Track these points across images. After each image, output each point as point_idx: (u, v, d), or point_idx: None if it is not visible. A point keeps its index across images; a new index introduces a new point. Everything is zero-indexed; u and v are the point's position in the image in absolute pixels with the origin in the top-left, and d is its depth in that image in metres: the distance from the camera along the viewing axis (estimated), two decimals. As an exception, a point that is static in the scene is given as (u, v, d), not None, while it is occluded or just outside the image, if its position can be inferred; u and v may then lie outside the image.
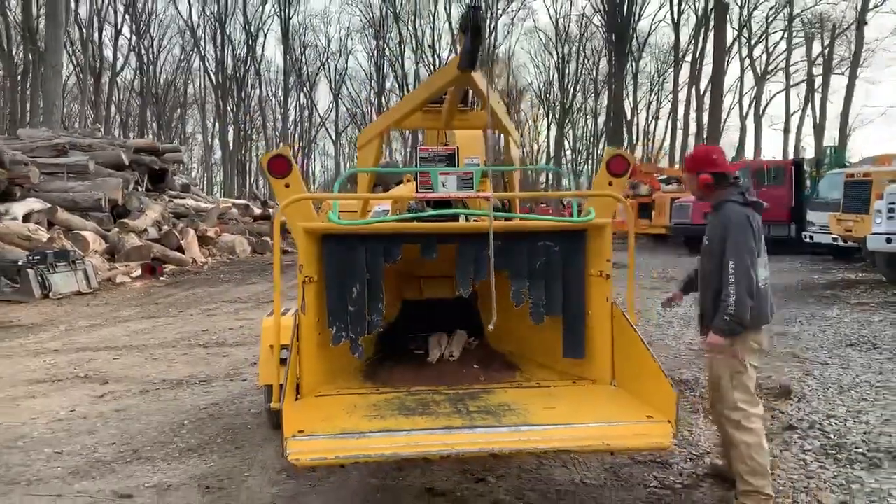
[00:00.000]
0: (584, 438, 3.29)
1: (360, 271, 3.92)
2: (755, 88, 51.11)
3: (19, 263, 11.97)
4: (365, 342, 4.06)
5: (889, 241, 11.00)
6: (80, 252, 13.43)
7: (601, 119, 65.38)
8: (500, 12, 65.08)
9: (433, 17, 67.73)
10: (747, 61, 50.88)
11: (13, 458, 4.62)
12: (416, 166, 4.59)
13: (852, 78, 39.18)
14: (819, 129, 44.01)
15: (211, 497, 3.98)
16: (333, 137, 76.45)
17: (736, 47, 48.92)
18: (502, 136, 4.64)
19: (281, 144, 68.08)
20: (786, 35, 49.73)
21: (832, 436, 4.69)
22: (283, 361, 4.69)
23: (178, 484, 4.16)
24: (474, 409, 3.59)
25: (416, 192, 4.53)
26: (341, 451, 3.14)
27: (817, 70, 46.37)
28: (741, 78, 51.05)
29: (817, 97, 45.89)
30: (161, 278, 14.94)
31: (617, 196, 4.04)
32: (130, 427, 5.25)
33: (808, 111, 47.79)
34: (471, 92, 4.93)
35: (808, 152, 43.02)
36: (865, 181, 13.03)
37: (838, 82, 43.81)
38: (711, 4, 46.72)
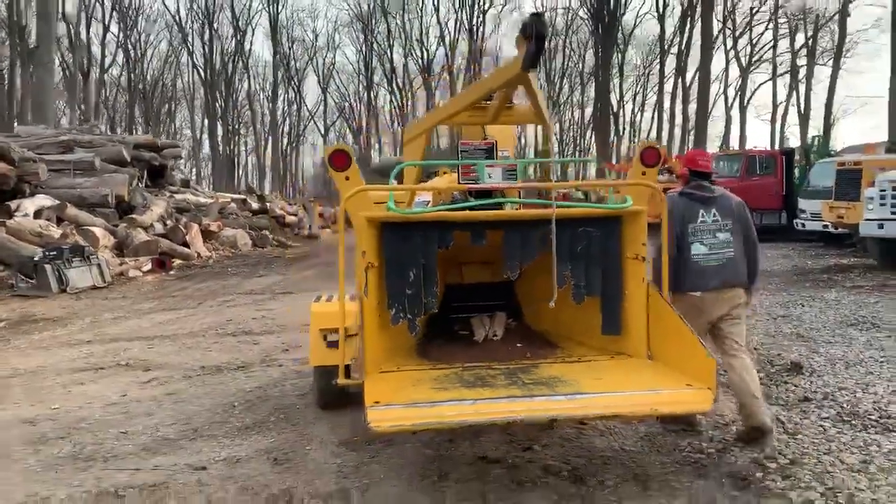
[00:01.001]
0: (633, 405, 3.64)
1: (416, 257, 4.25)
2: (740, 79, 51.71)
3: (35, 259, 12.18)
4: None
5: (881, 226, 11.44)
6: (91, 248, 13.65)
7: (588, 111, 66.02)
8: (487, 5, 65.29)
9: (421, 10, 67.84)
10: (732, 53, 51.47)
11: (83, 437, 4.92)
12: (458, 158, 4.91)
13: (836, 69, 39.84)
14: (804, 119, 44.67)
15: (280, 468, 4.30)
16: (322, 132, 76.45)
17: (721, 39, 49.38)
18: (540, 128, 4.97)
19: (270, 139, 68.48)
20: (770, 26, 50.42)
21: (845, 405, 5.08)
22: (333, 344, 5.05)
23: (247, 457, 4.48)
24: (528, 381, 3.93)
25: (459, 182, 4.86)
26: (416, 418, 3.47)
27: (801, 61, 46.98)
28: (726, 69, 51.56)
29: (802, 87, 46.51)
30: (171, 272, 15.18)
31: (652, 185, 4.38)
32: (185, 409, 5.55)
33: (793, 101, 48.50)
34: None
35: (793, 141, 43.67)
36: (856, 170, 13.48)
37: (822, 73, 44.53)
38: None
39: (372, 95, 72.04)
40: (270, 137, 68.30)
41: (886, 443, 4.34)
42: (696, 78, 51.62)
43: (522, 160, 4.83)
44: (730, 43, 51.52)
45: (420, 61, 69.00)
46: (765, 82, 52.31)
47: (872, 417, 4.80)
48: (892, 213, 11.24)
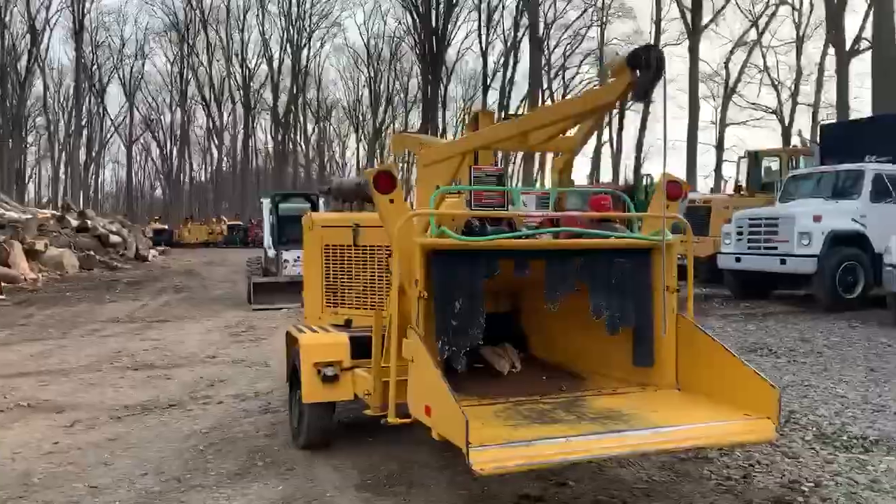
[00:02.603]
0: (709, 437, 3.68)
1: (464, 286, 4.04)
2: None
3: None
4: None
5: (738, 259, 12.57)
6: None
7: (412, 139, 67.21)
8: (313, 27, 64.81)
9: (242, 25, 65.99)
10: (548, 92, 54.77)
11: (51, 497, 4.14)
12: (470, 184, 4.74)
13: (645, 111, 43.59)
14: (616, 157, 48.41)
15: (313, 520, 3.88)
16: (126, 144, 71.79)
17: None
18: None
19: (69, 147, 62.74)
20: (578, 69, 54.30)
21: (811, 427, 5.46)
22: (330, 379, 4.68)
23: (267, 510, 3.99)
24: (593, 415, 3.84)
25: (472, 208, 4.69)
26: (518, 458, 3.27)
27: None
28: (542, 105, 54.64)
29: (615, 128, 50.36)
30: (1, 296, 13.39)
31: (679, 217, 4.48)
32: (145, 455, 4.87)
33: (605, 139, 52.36)
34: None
35: (605, 177, 47.13)
36: (706, 207, 14.76)
37: (634, 115, 48.51)
38: (520, 35, 50.05)
39: (187, 107, 68.75)
40: (67, 147, 62.95)
41: (877, 462, 4.69)
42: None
43: (555, 188, 4.73)
44: (545, 83, 54.79)
45: (240, 78, 66.99)
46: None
47: (844, 439, 5.19)
48: (748, 247, 12.38)
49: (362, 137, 71.81)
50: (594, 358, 4.73)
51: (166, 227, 45.91)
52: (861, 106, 34.85)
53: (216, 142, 71.76)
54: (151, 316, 11.64)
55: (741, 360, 3.98)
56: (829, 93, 38.84)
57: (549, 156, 5.18)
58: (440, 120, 58.52)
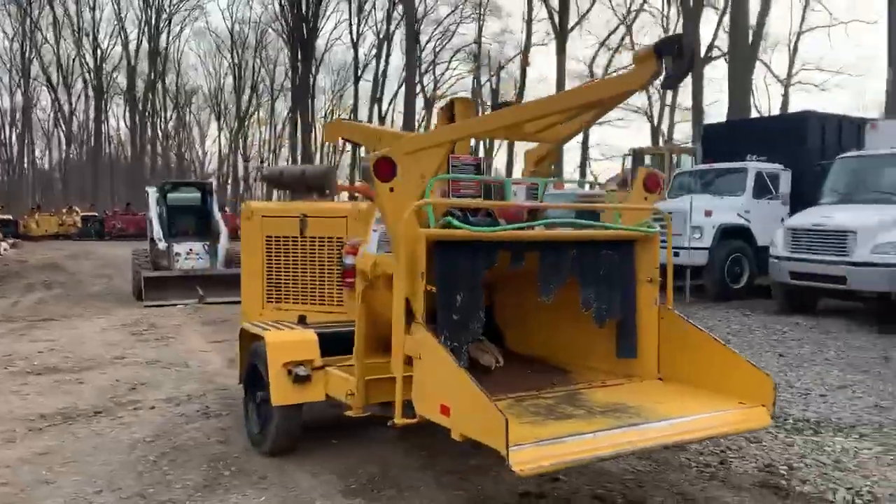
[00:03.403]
0: (717, 427, 3.72)
1: (466, 279, 3.89)
2: (425, 113, 55.20)
3: None
4: None
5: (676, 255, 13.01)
6: None
7: (279, 127, 65.59)
8: (172, 9, 61.80)
9: (93, 2, 61.84)
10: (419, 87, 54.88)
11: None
12: (448, 173, 4.59)
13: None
14: (488, 154, 49.18)
15: (310, 531, 3.60)
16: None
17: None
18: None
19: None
20: (449, 65, 54.80)
21: (797, 414, 5.68)
22: (301, 379, 4.40)
23: (256, 523, 3.67)
24: (600, 408, 3.80)
25: (450, 198, 4.54)
26: (552, 457, 3.17)
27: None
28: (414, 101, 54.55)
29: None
30: None
31: (657, 209, 4.53)
32: (88, 470, 4.39)
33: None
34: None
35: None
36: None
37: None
38: (393, 28, 49.86)
39: (30, 86, 63.66)
40: None
41: (831, 443, 4.95)
42: (392, 107, 54.39)
43: (543, 179, 4.63)
44: (416, 77, 54.90)
45: (89, 57, 62.70)
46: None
47: (790, 423, 5.45)
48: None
49: (224, 126, 69.29)
50: (576, 351, 4.69)
51: (10, 217, 42.12)
52: (716, 109, 37.34)
53: (63, 127, 66.82)
54: (31, 314, 10.60)
55: (732, 349, 4.06)
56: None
57: (522, 146, 5.05)
58: (310, 110, 57.46)
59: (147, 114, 65.04)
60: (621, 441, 3.38)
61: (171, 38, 64.12)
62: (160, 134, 68.06)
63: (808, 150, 13.02)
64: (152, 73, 62.68)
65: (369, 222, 5.66)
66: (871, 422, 5.44)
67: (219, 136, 70.36)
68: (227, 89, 66.81)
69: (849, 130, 13.41)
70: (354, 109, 53.88)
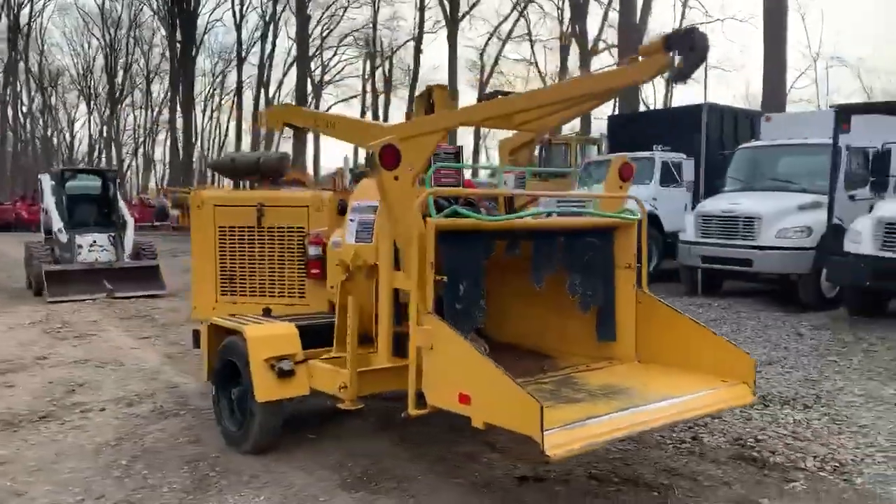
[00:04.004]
0: (710, 404, 3.90)
1: (469, 267, 3.91)
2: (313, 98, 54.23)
3: None
4: None
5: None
6: None
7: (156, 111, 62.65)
8: (36, -17, 57.70)
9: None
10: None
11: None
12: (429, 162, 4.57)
13: (412, 94, 44.59)
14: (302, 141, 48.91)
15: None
16: None
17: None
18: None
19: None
20: (336, 51, 53.97)
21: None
22: (285, 374, 4.30)
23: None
24: (600, 391, 3.91)
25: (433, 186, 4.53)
26: (580, 439, 3.25)
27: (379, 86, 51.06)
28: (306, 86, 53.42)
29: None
30: None
31: (634, 197, 4.68)
32: (57, 478, 4.13)
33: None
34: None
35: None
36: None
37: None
38: (280, 11, 48.56)
39: None
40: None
41: (783, 415, 5.29)
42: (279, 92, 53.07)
43: (530, 168, 4.67)
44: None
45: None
46: (335, 103, 55.37)
47: (778, 399, 5.70)
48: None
49: (94, 109, 65.53)
50: (555, 336, 4.79)
51: None
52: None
53: None
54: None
55: (712, 330, 4.26)
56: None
57: (496, 135, 5.08)
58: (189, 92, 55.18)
59: (7, 96, 60.46)
60: (637, 421, 3.50)
61: (32, 14, 59.84)
62: (21, 118, 63.44)
63: (707, 139, 13.75)
64: (13, 54, 58.29)
65: (332, 211, 5.58)
66: (809, 394, 5.85)
67: (89, 119, 66.56)
68: (97, 71, 63.21)
69: (744, 122, 14.26)
70: (238, 93, 52.21)
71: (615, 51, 40.40)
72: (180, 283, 12.45)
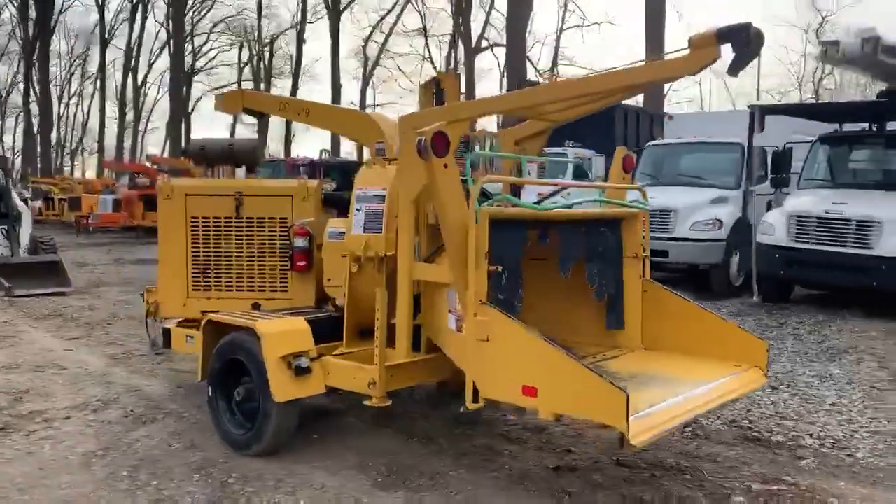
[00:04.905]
0: (738, 389, 4.04)
1: (512, 257, 3.87)
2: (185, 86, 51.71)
3: None
4: None
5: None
6: None
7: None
8: None
9: None
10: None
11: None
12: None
13: (294, 85, 43.64)
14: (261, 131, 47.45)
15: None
16: None
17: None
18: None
19: None
20: (209, 36, 51.80)
21: None
22: (304, 371, 4.09)
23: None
24: (633, 379, 3.96)
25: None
26: (656, 426, 3.29)
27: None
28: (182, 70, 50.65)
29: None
30: None
31: (639, 188, 4.79)
32: (54, 495, 3.73)
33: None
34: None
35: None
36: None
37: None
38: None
39: None
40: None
41: (789, 395, 5.56)
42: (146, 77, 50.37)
43: (549, 158, 4.63)
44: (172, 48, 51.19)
45: None
46: (207, 92, 52.83)
47: None
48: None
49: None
50: (564, 326, 4.80)
51: None
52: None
53: None
54: None
55: (723, 317, 4.43)
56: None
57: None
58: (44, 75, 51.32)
59: None
60: (691, 407, 3.58)
61: None
62: None
63: (616, 137, 14.28)
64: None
65: (318, 201, 5.35)
66: (768, 376, 6.18)
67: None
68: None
69: (647, 121, 14.92)
70: (102, 78, 49.11)
71: (498, 49, 41.47)
72: (81, 280, 11.59)
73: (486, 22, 40.57)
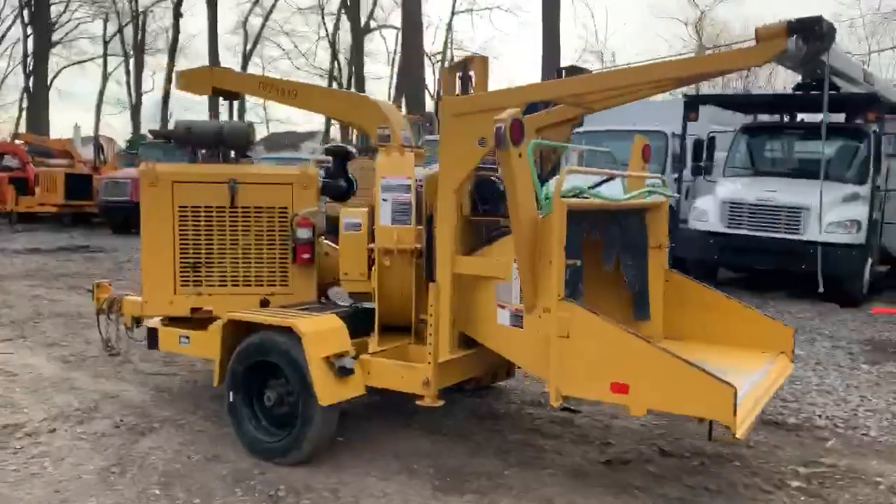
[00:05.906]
0: (780, 375, 4.13)
1: (575, 249, 3.78)
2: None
3: None
4: None
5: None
6: None
7: None
8: None
9: None
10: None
11: None
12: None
13: (171, 60, 41.40)
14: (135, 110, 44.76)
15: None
16: None
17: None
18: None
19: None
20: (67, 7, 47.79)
21: None
22: (348, 371, 3.86)
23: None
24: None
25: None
26: (745, 416, 3.29)
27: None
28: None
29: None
30: None
31: (659, 177, 4.81)
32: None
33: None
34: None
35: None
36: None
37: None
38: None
39: None
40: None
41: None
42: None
43: (579, 146, 4.49)
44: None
45: None
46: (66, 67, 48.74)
47: None
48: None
49: None
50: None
51: None
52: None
53: None
54: None
55: (747, 305, 4.52)
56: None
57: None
58: None
59: None
60: (761, 394, 3.64)
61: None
62: None
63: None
64: None
65: (317, 189, 5.03)
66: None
67: None
68: None
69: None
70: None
71: (386, 31, 41.04)
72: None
73: (375, 3, 39.95)
